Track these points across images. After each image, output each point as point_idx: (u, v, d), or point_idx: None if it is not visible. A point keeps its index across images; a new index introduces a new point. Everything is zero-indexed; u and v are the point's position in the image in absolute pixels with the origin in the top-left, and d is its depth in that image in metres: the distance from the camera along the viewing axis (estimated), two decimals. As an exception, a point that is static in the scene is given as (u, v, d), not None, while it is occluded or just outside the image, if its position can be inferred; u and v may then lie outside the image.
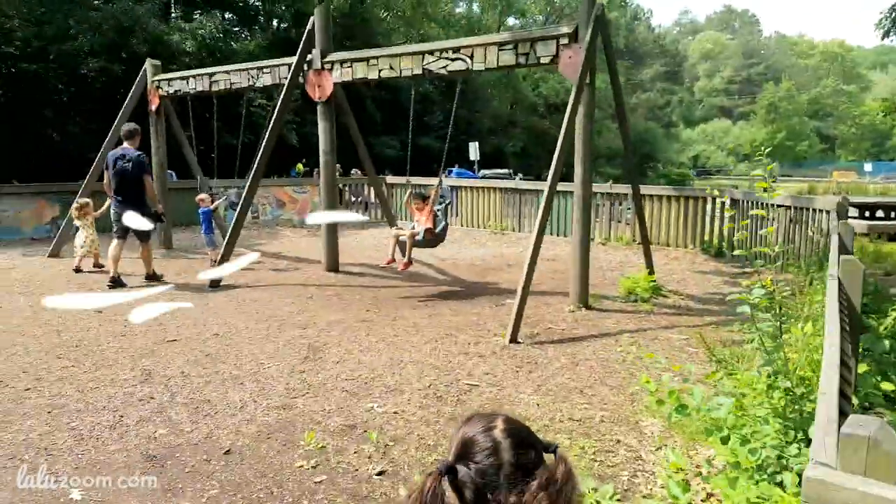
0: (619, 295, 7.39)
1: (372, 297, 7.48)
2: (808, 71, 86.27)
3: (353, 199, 15.21)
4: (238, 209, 8.28)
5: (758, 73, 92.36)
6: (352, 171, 17.38)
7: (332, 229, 9.04)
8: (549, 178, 5.92)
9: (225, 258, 8.01)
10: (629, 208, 11.43)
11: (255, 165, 8.30)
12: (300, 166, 20.31)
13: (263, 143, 8.36)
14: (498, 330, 5.86)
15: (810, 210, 8.57)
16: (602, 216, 11.68)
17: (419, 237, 7.58)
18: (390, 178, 14.97)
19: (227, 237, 8.24)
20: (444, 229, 7.92)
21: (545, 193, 5.85)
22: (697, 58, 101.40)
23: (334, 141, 8.96)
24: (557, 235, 11.70)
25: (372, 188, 12.44)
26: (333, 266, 9.06)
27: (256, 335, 5.71)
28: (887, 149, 68.66)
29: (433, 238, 7.73)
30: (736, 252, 9.88)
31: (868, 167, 55.89)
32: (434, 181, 8.56)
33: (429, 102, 32.90)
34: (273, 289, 7.93)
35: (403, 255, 7.64)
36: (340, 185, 14.94)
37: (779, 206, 9.03)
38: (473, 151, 19.04)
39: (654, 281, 7.53)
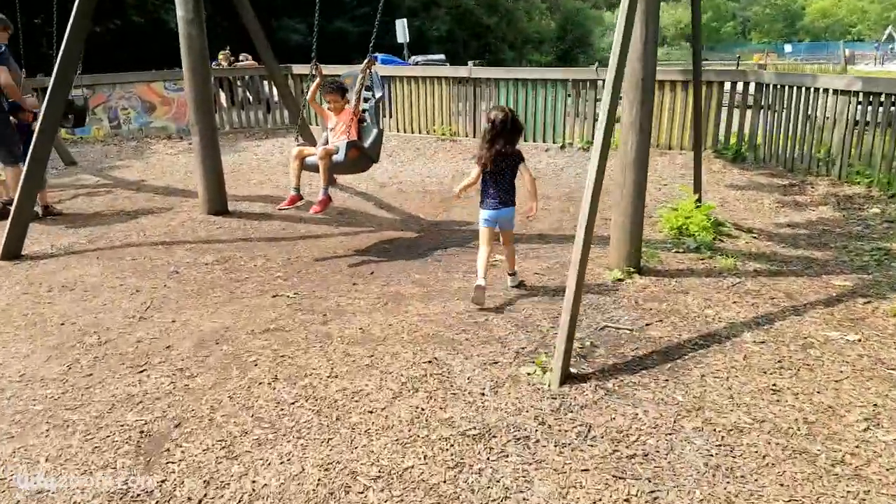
0: (667, 238, 4.87)
1: (282, 265, 4.57)
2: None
3: (249, 97, 11.56)
4: (38, 125, 4.87)
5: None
6: (240, 58, 13.33)
7: (210, 140, 5.81)
8: (616, 52, 3.03)
9: (18, 210, 4.70)
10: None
11: (62, 51, 4.83)
12: (223, 55, 14.67)
13: (74, 15, 4.86)
14: (517, 336, 3.20)
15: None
16: (571, 111, 8.96)
17: (339, 157, 4.61)
18: (297, 68, 11.39)
19: (24, 171, 4.88)
20: (378, 142, 4.95)
21: (609, 80, 2.97)
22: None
23: (201, 3, 5.55)
24: (535, 141, 8.91)
25: (273, 83, 8.97)
26: (218, 206, 5.94)
27: (32, 402, 2.76)
28: (796, 30, 68.50)
29: (361, 156, 4.78)
30: (762, 155, 7.56)
31: (788, 48, 55.36)
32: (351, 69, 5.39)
33: (338, -24, 27.81)
34: (113, 255, 4.82)
35: (323, 188, 4.67)
36: (230, 79, 11.22)
37: (841, 92, 6.59)
38: (402, 32, 15.19)
39: (710, 213, 4.99)
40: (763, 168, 7.37)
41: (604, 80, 8.89)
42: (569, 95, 8.93)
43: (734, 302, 3.62)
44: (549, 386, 2.75)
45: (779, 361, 2.92)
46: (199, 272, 4.47)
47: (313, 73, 4.88)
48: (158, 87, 10.65)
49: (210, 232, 5.47)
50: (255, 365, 3.04)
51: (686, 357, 2.99)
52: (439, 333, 3.31)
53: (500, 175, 3.63)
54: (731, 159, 7.79)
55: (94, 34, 17.83)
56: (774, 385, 2.72)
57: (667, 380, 2.78)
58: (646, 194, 4.07)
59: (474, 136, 9.65)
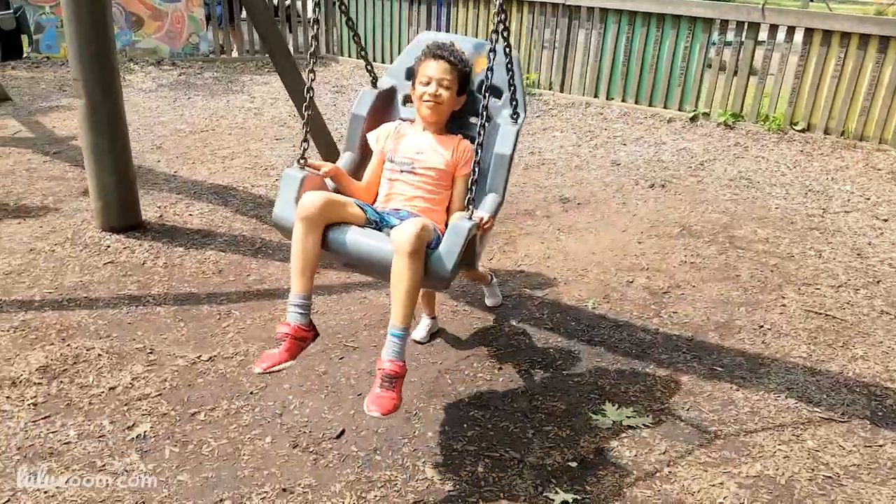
0: None
1: (170, 389, 2.12)
2: None
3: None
4: None
5: None
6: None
7: (106, 104, 3.35)
8: None
9: None
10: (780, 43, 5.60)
11: None
12: None
13: None
14: None
15: None
16: (713, 66, 5.90)
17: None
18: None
19: None
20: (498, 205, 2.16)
21: None
22: None
23: None
24: (651, 106, 6.01)
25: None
26: (120, 217, 3.47)
27: None
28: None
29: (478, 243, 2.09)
30: None
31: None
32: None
33: None
34: None
35: (399, 336, 1.87)
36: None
37: None
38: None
39: None
40: None
41: (772, 25, 5.74)
42: (713, 44, 5.86)
43: None
44: None
45: None
46: (-22, 417, 2.11)
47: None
48: (147, -5, 8.10)
49: (85, 275, 3.08)
50: None
51: None
52: None
53: None
54: None
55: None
56: None
57: None
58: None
59: (561, 91, 6.75)
